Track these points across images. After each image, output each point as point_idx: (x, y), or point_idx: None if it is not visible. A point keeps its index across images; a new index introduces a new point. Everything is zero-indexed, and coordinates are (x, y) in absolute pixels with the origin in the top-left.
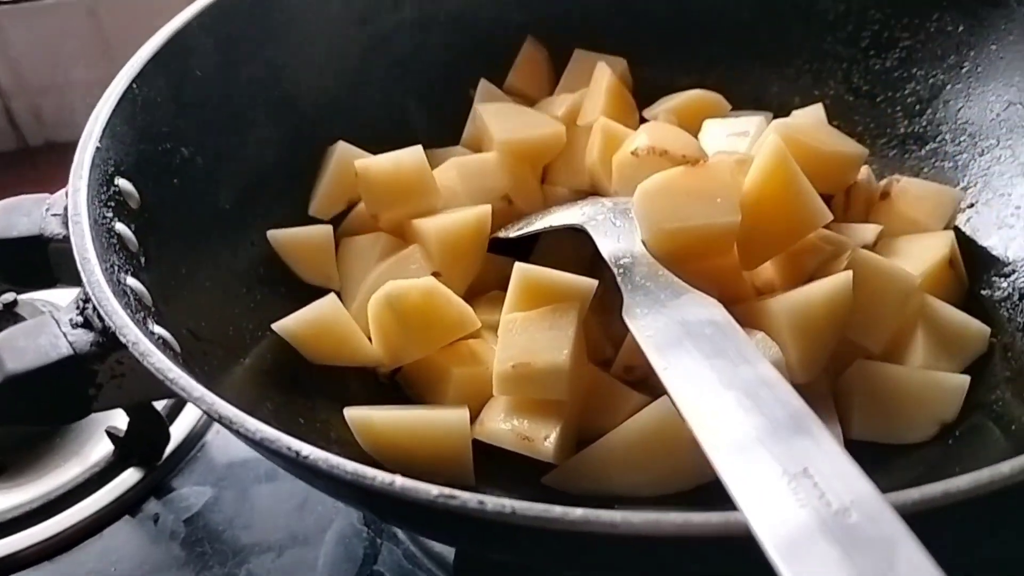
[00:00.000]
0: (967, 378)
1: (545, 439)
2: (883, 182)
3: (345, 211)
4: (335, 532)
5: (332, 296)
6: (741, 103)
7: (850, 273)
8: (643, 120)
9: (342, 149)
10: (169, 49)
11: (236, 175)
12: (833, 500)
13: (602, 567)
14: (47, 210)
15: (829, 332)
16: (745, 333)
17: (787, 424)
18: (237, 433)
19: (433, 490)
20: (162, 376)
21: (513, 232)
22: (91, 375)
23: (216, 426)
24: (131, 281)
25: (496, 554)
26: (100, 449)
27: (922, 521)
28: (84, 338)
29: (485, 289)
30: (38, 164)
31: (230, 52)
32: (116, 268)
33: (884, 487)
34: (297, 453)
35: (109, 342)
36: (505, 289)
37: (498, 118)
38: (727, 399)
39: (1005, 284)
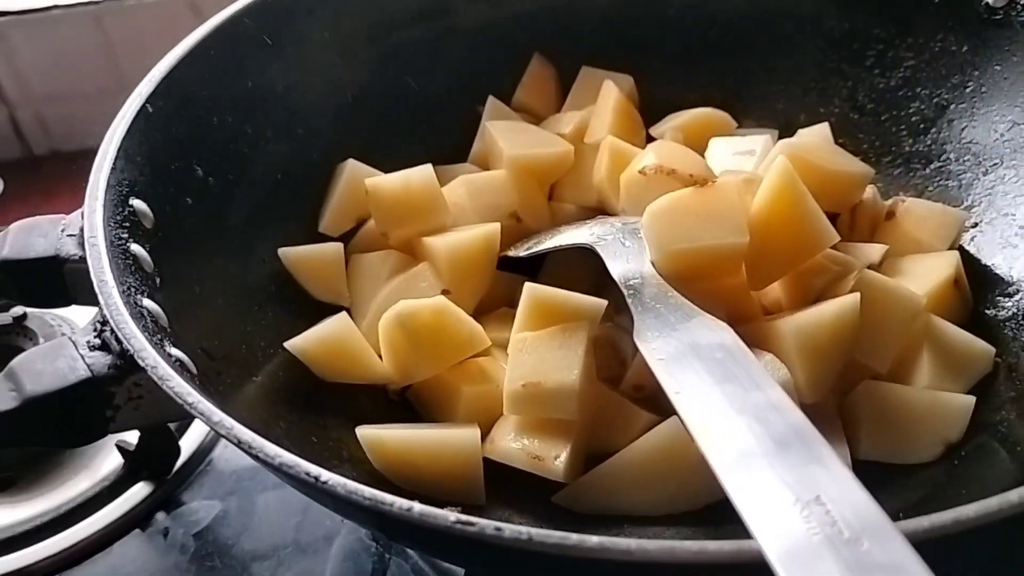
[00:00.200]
0: (972, 398)
1: (555, 458)
2: (888, 202)
3: (355, 228)
4: (342, 543)
5: (343, 315)
6: (747, 120)
7: (857, 295)
8: (650, 137)
9: (352, 167)
10: (182, 68)
11: (248, 192)
12: (845, 528)
13: None
14: (63, 231)
15: (836, 353)
16: (755, 357)
17: (799, 450)
18: (256, 458)
19: (451, 516)
20: (181, 400)
21: (522, 251)
22: (109, 397)
23: (225, 441)
24: (147, 302)
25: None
26: (110, 463)
27: (932, 548)
28: (102, 360)
29: (494, 306)
30: (43, 173)
31: (242, 71)
32: (132, 290)
33: (891, 507)
34: (316, 479)
35: (127, 364)
36: (514, 306)
37: (507, 136)
38: (738, 424)
39: (1009, 304)
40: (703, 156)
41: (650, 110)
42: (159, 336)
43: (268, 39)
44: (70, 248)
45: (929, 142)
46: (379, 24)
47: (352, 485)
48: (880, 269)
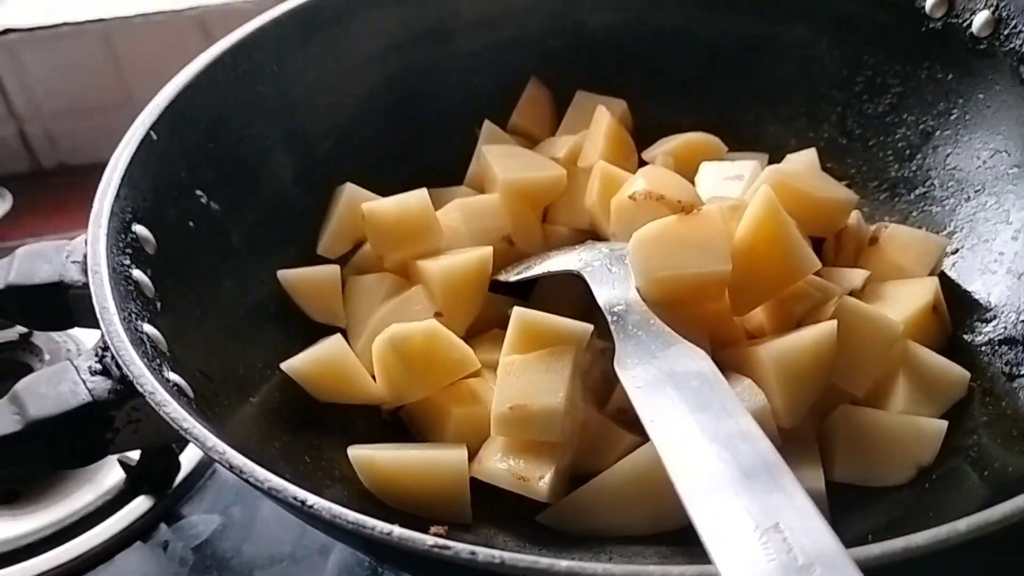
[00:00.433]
0: (945, 423)
1: (540, 479)
2: (872, 228)
3: (352, 251)
4: (337, 558)
5: (338, 337)
6: (739, 143)
7: (835, 322)
8: (642, 161)
9: (350, 191)
10: (185, 96)
11: (248, 216)
12: (800, 555)
13: None
14: (67, 257)
15: (814, 379)
16: (730, 386)
17: (763, 479)
18: (247, 482)
19: (428, 540)
20: (177, 425)
21: (512, 276)
22: (109, 421)
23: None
24: (148, 328)
25: None
26: (112, 477)
27: (883, 574)
28: (102, 385)
29: (486, 328)
30: (51, 186)
31: (244, 97)
32: (133, 316)
33: (861, 529)
34: (303, 503)
35: (126, 390)
36: (505, 328)
37: (502, 160)
38: (708, 452)
39: (987, 329)
40: (694, 180)
41: (644, 134)
42: (158, 361)
43: (271, 66)
44: (74, 274)
45: (915, 168)
46: (379, 49)
47: (337, 509)
48: (862, 294)
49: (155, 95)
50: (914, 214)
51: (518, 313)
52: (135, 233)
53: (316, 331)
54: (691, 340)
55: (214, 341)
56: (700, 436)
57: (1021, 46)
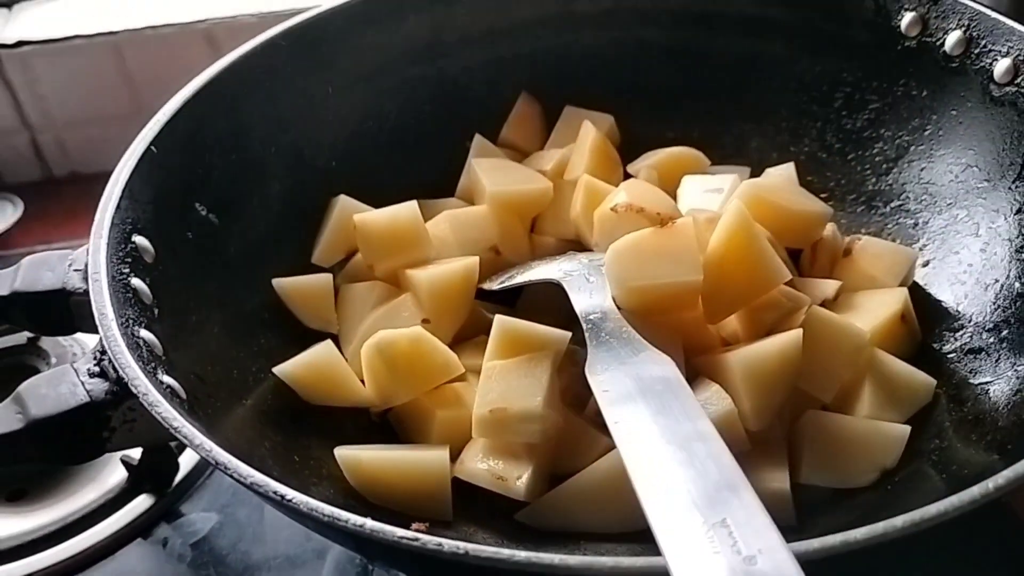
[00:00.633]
0: (907, 428)
1: (518, 479)
2: (847, 240)
3: (345, 260)
4: (333, 557)
5: (328, 342)
6: (723, 157)
7: (800, 331)
8: (628, 175)
9: (343, 202)
10: (185, 113)
11: (245, 227)
12: (744, 548)
13: None
14: (70, 265)
15: (780, 384)
16: (698, 391)
17: (715, 478)
18: (232, 477)
19: (398, 532)
20: (167, 424)
21: (496, 285)
22: (105, 420)
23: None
24: (144, 333)
25: None
26: (115, 477)
27: (823, 567)
28: (100, 387)
29: (473, 334)
30: (63, 194)
31: (243, 114)
32: (131, 322)
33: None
34: (282, 497)
35: (122, 391)
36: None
37: (490, 172)
38: (665, 452)
39: (955, 337)
40: (676, 193)
41: (630, 147)
42: (153, 365)
43: (270, 82)
44: (76, 282)
45: (891, 181)
46: (375, 66)
47: (313, 503)
48: (834, 304)
49: (163, 105)
50: (889, 226)
51: (500, 321)
52: (135, 243)
53: (309, 337)
54: (665, 347)
55: (210, 345)
56: (659, 438)
57: (990, 64)
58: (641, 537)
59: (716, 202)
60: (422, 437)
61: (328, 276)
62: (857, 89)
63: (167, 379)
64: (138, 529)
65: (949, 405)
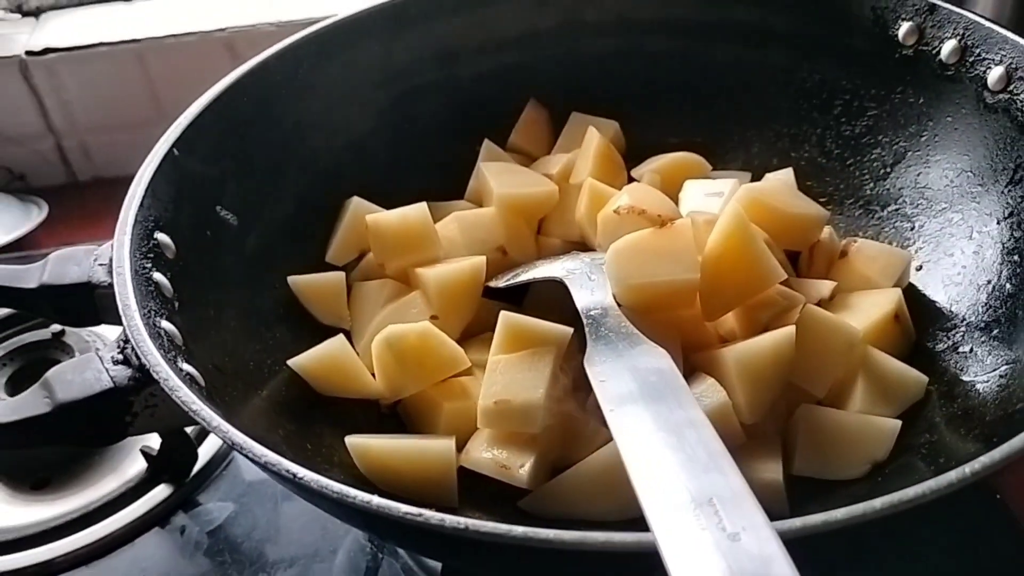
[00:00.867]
0: (898, 423)
1: (520, 467)
2: (843, 242)
3: (357, 259)
4: (343, 543)
5: (340, 336)
6: (724, 162)
7: (793, 327)
8: (632, 179)
9: (356, 203)
10: (206, 116)
11: (261, 226)
12: (728, 525)
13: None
14: (95, 260)
15: (774, 379)
16: (694, 384)
17: (704, 461)
18: (247, 456)
19: (402, 508)
20: (187, 408)
21: (502, 283)
22: (128, 405)
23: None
24: (165, 324)
25: (462, 565)
26: (134, 467)
27: (805, 546)
28: (123, 373)
29: (480, 331)
30: (86, 198)
31: (261, 118)
32: (153, 313)
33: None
34: (294, 475)
35: (144, 377)
36: None
37: (498, 176)
38: (656, 438)
39: (947, 337)
40: (678, 197)
41: (634, 152)
42: (173, 353)
43: (288, 88)
44: (100, 276)
45: (888, 186)
46: (388, 72)
47: (324, 481)
48: (830, 303)
49: (184, 111)
50: (886, 229)
51: (505, 316)
52: (157, 240)
53: (322, 332)
54: (664, 343)
55: (227, 339)
56: (652, 424)
57: (984, 72)
58: (639, 525)
59: (717, 205)
60: (430, 428)
61: (341, 274)
62: (856, 96)
63: (187, 367)
64: (156, 518)
65: (940, 401)
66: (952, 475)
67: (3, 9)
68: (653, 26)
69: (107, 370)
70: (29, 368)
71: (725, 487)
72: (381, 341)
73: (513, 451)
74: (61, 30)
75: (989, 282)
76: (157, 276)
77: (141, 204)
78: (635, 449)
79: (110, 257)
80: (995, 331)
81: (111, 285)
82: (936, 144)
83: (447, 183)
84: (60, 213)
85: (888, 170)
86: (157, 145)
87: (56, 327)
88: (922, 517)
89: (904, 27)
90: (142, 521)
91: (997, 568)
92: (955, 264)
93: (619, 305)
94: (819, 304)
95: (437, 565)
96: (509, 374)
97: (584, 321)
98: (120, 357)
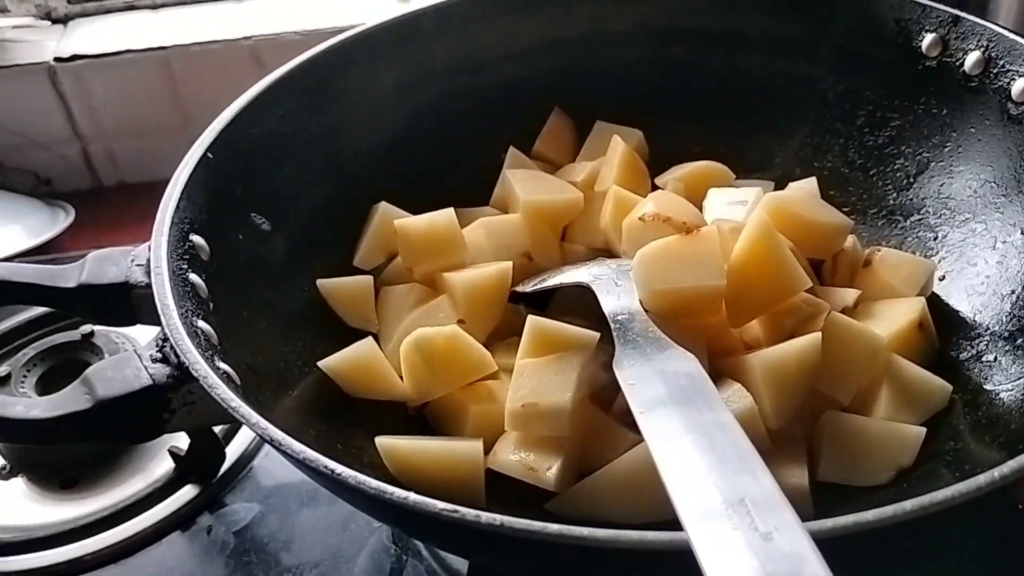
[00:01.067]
0: (923, 430)
1: (548, 470)
2: (867, 251)
3: (385, 263)
4: (368, 544)
5: (370, 339)
6: (747, 171)
7: (819, 334)
8: (655, 187)
9: (384, 209)
10: (239, 122)
11: (292, 231)
12: (761, 525)
13: (578, 574)
14: (132, 260)
15: (799, 385)
16: (720, 389)
17: (734, 462)
18: (284, 454)
19: (439, 504)
20: (226, 405)
21: (528, 287)
22: (166, 402)
23: (265, 449)
24: (201, 323)
25: (493, 562)
26: (161, 467)
27: (835, 547)
28: (162, 371)
29: (505, 335)
30: (111, 202)
31: (292, 124)
32: (189, 312)
33: None
34: (332, 471)
35: (183, 375)
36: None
37: (523, 183)
38: (686, 440)
39: (971, 346)
40: (702, 205)
41: (658, 161)
42: (210, 352)
43: (317, 95)
44: (138, 276)
45: (911, 196)
46: (414, 80)
47: (361, 477)
48: (854, 311)
49: (209, 118)
50: (909, 239)
51: (532, 321)
52: (192, 241)
53: (349, 335)
54: (689, 349)
55: (259, 339)
56: (682, 426)
57: (1008, 84)
58: (664, 528)
59: (740, 214)
60: (456, 431)
61: (369, 278)
62: (879, 107)
63: (223, 366)
64: (183, 517)
65: (964, 409)
66: (981, 479)
67: (33, 16)
68: (677, 36)
69: (146, 368)
70: (59, 368)
71: (756, 488)
72: (410, 343)
73: (540, 454)
74: (89, 37)
75: (1013, 292)
76: (193, 277)
77: (177, 207)
78: (666, 451)
79: (147, 258)
80: (1019, 340)
81: (148, 285)
82: (960, 155)
83: (472, 190)
84: (86, 218)
85: (911, 180)
86: (192, 148)
87: (86, 328)
88: (950, 521)
89: (928, 39)
90: (168, 521)
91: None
92: (978, 274)
93: (645, 311)
94: (843, 312)
95: (461, 566)
96: (536, 377)
97: (612, 326)
98: (159, 355)
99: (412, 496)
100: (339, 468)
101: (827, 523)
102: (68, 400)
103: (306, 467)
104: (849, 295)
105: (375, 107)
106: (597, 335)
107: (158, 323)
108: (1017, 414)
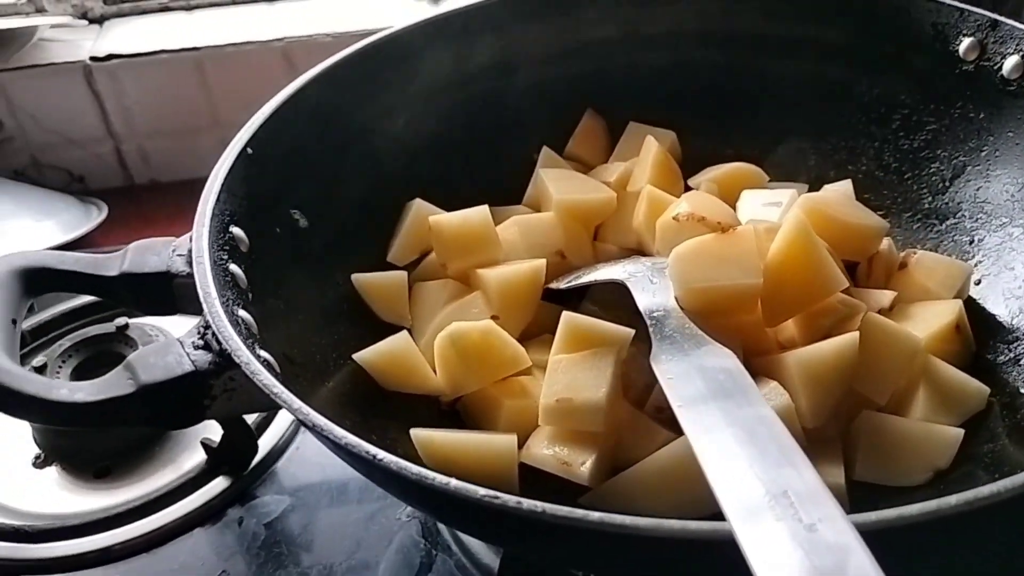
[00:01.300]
0: (961, 431)
1: (582, 464)
2: (902, 254)
3: (419, 259)
4: (397, 537)
5: (404, 333)
6: (781, 174)
7: (856, 334)
8: (688, 188)
9: (418, 205)
10: (277, 117)
11: (328, 226)
12: (804, 516)
13: (616, 564)
14: (173, 251)
15: (836, 384)
16: (752, 380)
17: (776, 456)
18: (326, 439)
19: (480, 491)
20: (268, 391)
21: (563, 284)
22: (208, 389)
23: (295, 443)
24: (242, 312)
25: (532, 551)
26: (193, 459)
27: (877, 540)
28: (204, 358)
29: (538, 332)
30: (142, 200)
31: (329, 120)
32: (230, 302)
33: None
34: (374, 456)
35: (224, 362)
36: (555, 333)
37: (557, 182)
38: (727, 433)
39: (1008, 350)
40: (736, 206)
41: (691, 162)
42: (251, 340)
43: (353, 93)
44: (179, 265)
45: (947, 200)
46: (448, 81)
47: (402, 463)
48: (890, 313)
49: (241, 119)
50: (945, 243)
51: (566, 317)
52: (232, 233)
53: (383, 330)
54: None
55: (295, 331)
56: (723, 420)
57: None
58: None
59: (775, 215)
60: (489, 425)
61: (403, 273)
62: (915, 111)
63: (263, 353)
64: (215, 509)
65: (1002, 412)
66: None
67: (69, 16)
68: (710, 39)
69: (188, 355)
70: (94, 360)
71: (799, 480)
72: (445, 338)
73: (574, 448)
74: (124, 37)
75: None
76: (233, 267)
77: (217, 199)
78: (707, 443)
79: (188, 248)
80: None
81: (189, 275)
82: (997, 159)
83: (505, 189)
84: (118, 215)
85: (947, 184)
86: (232, 143)
87: (121, 321)
88: (993, 519)
89: (965, 43)
90: (200, 511)
91: None
92: (1016, 278)
93: (681, 309)
94: (879, 314)
95: (490, 561)
96: (571, 373)
97: (648, 322)
98: (201, 343)
99: (454, 482)
100: (381, 454)
101: (871, 516)
102: (112, 384)
103: (347, 453)
104: (885, 297)
105: (409, 108)
106: (631, 331)
107: (198, 312)
108: None
